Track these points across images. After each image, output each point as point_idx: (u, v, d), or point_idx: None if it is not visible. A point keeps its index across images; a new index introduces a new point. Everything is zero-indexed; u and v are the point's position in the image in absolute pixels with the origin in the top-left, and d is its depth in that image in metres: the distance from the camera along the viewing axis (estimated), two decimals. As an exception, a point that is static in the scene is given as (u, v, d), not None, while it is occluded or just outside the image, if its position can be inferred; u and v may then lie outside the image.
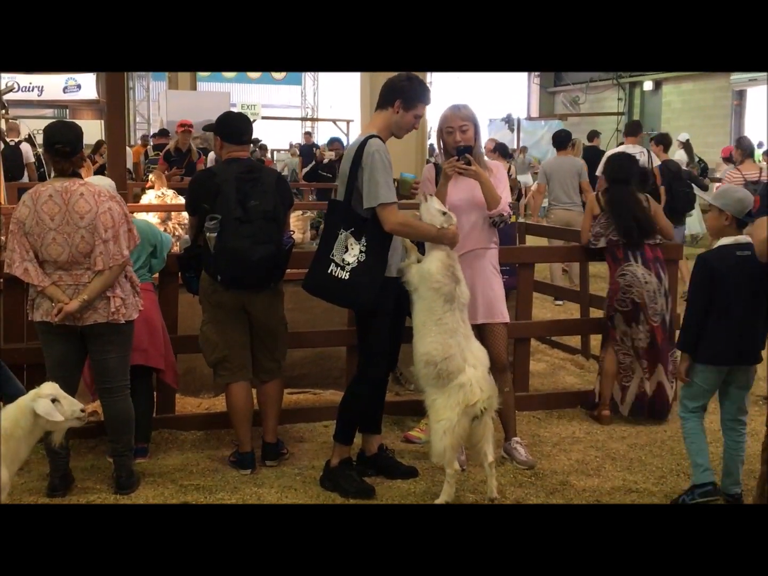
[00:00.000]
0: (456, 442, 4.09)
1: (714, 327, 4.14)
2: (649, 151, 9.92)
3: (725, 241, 4.17)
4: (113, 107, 6.21)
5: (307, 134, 23.46)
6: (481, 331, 4.65)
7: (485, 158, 4.80)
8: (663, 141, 10.53)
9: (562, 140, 9.79)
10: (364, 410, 4.53)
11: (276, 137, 25.33)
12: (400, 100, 4.24)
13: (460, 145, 4.49)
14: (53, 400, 3.42)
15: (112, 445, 4.37)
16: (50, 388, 3.49)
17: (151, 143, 15.61)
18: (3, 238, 5.03)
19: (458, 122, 4.55)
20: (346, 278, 4.16)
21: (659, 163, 9.64)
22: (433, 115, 4.63)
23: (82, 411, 3.51)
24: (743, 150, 9.61)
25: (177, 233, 7.77)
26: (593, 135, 13.41)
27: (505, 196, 4.62)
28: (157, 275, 5.04)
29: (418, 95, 4.29)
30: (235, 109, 17.92)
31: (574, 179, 9.33)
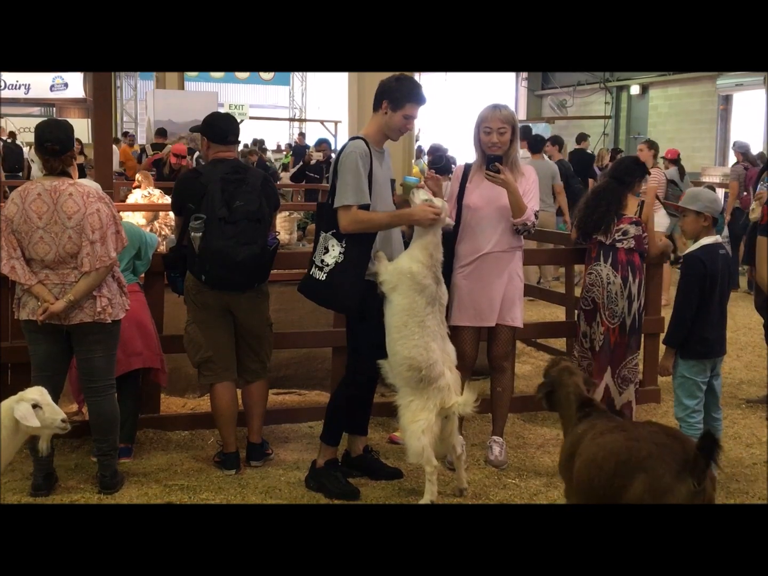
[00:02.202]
0: (433, 441, 4.16)
1: (702, 322, 4.30)
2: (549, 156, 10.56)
3: (707, 240, 4.34)
4: (100, 106, 6.19)
5: (301, 135, 23.40)
6: (489, 330, 4.72)
7: (520, 163, 4.71)
8: (557, 141, 11.33)
9: (536, 144, 10.06)
10: (353, 412, 4.55)
11: (264, 137, 25.26)
12: (387, 100, 4.24)
13: (490, 154, 4.52)
14: (35, 406, 3.42)
15: (97, 445, 4.36)
16: (35, 392, 3.48)
17: (146, 144, 16.05)
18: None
19: (497, 124, 4.57)
20: (323, 279, 4.16)
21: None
22: (422, 115, 4.58)
23: (63, 421, 3.50)
24: (656, 152, 10.08)
25: (163, 233, 7.77)
26: (581, 138, 13.55)
27: (532, 206, 4.59)
28: (143, 275, 5.03)
29: (405, 95, 4.23)
30: (222, 110, 17.91)
31: (547, 182, 9.52)
